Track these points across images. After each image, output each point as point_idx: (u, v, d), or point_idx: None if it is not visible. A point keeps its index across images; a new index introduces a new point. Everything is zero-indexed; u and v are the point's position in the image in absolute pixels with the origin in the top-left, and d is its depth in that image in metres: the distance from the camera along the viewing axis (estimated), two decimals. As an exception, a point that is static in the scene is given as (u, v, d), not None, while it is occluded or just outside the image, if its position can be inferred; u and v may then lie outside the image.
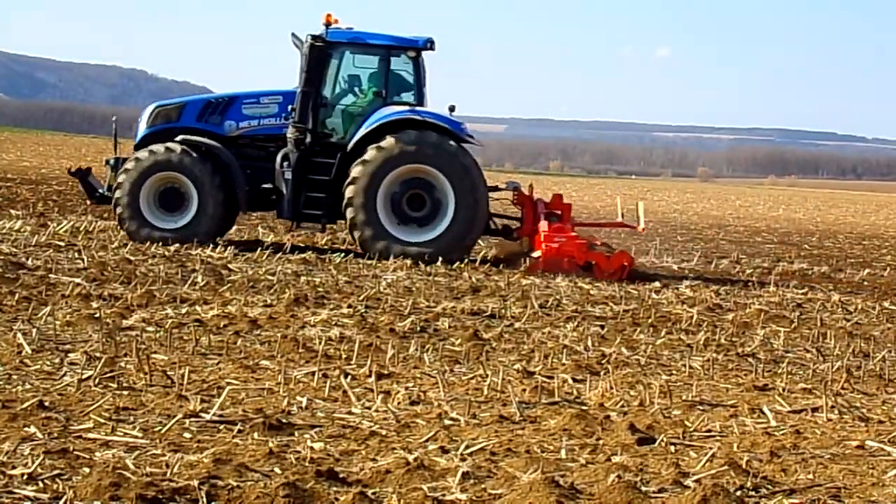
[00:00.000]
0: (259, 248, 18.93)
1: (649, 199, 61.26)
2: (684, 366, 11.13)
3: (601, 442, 8.02)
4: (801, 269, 23.83)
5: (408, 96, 20.15)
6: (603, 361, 11.12)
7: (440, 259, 19.13)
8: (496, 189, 20.87)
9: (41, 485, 6.23)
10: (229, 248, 18.68)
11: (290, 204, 19.72)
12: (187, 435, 7.51)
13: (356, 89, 20.44)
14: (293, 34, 20.08)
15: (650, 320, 14.09)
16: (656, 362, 11.36)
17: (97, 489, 6.11)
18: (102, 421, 7.65)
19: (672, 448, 7.90)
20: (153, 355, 9.85)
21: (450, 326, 12.77)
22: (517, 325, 13.20)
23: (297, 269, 17.12)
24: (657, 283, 18.28)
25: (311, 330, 11.85)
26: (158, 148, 19.68)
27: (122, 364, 9.46)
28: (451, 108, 20.09)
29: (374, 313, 13.28)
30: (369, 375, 9.67)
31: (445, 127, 19.71)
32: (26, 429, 7.29)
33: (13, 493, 6.07)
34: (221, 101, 20.41)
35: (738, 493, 6.80)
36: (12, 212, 23.51)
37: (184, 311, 12.45)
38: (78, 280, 13.96)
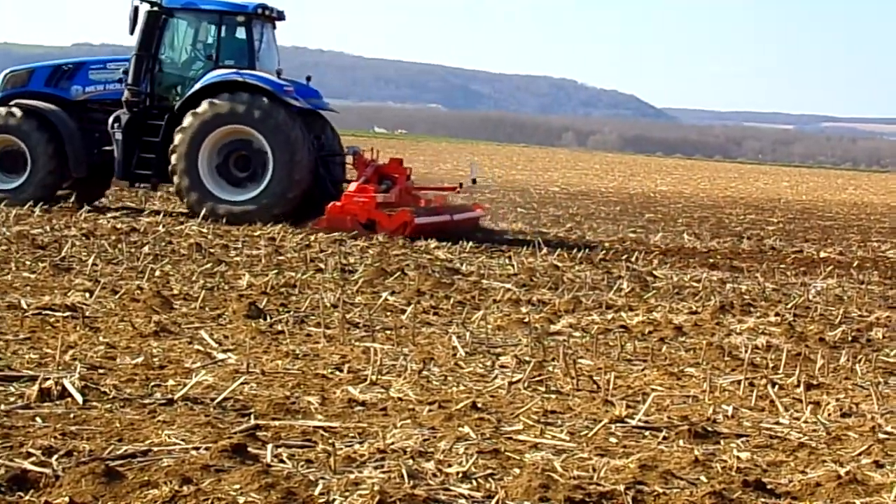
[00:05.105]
0: (682, 256, 18.86)
1: None
2: None
3: None
4: None
5: (242, 61, 20.47)
6: None
7: (259, 217, 19.52)
8: (340, 154, 21.38)
9: (475, 483, 6.48)
10: (653, 253, 18.70)
11: (120, 165, 20.51)
12: (613, 440, 7.60)
13: (189, 53, 20.90)
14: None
15: None
16: None
17: (527, 490, 6.29)
18: (531, 423, 7.86)
19: None
20: (579, 360, 10.04)
21: (884, 336, 12.24)
22: (960, 335, 12.48)
23: (723, 277, 16.94)
24: None
25: (737, 338, 11.69)
26: None
27: (550, 368, 9.70)
28: (308, 79, 20.68)
29: (803, 322, 12.94)
30: (797, 385, 9.43)
31: (265, 88, 19.87)
32: (461, 428, 7.59)
33: (449, 490, 6.35)
34: (69, 66, 21.31)
35: None
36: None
37: (609, 316, 12.60)
38: (508, 285, 14.42)
